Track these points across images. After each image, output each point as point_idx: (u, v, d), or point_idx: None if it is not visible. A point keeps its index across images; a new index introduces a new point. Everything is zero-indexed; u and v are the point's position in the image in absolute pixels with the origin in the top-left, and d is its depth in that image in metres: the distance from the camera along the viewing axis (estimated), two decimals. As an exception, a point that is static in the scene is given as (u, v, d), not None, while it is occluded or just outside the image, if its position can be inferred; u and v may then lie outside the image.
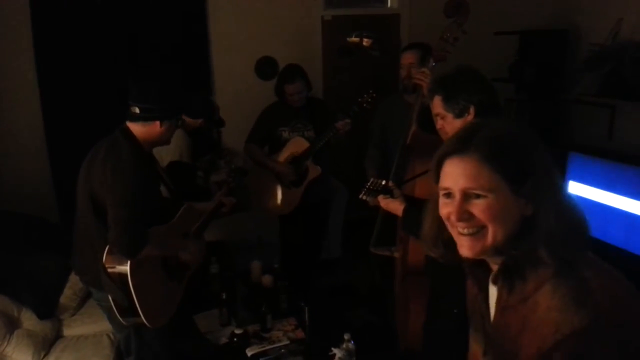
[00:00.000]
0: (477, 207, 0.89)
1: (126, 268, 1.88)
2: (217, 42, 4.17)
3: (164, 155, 2.74)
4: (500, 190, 0.87)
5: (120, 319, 1.98)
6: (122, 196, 1.87)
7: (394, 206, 2.00)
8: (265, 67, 4.24)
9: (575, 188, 2.89)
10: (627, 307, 0.82)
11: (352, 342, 2.18)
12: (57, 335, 2.70)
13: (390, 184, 2.08)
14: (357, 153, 3.70)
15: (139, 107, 1.98)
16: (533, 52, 3.53)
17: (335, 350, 2.14)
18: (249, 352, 2.37)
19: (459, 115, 1.73)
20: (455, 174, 0.91)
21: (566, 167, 2.94)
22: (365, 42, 4.75)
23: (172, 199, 2.28)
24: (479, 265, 0.98)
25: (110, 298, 1.96)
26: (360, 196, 2.14)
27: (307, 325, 2.58)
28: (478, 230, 0.89)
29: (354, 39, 4.73)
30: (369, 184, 2.11)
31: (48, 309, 2.70)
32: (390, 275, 2.65)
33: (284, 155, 3.16)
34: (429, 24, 2.22)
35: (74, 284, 2.80)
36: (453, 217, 0.91)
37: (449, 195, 0.93)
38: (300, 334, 2.55)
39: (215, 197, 2.50)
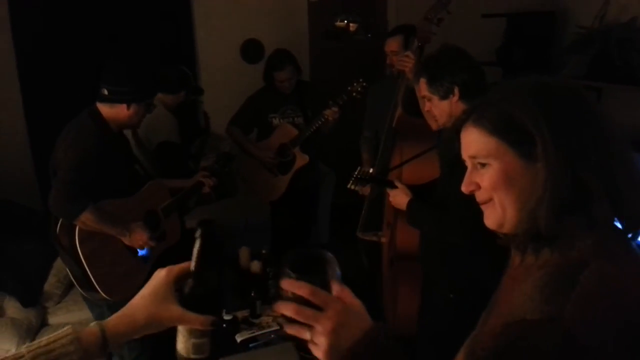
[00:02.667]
0: (482, 177, 0.85)
1: (75, 237, 1.91)
2: (201, 24, 4.09)
3: (152, 137, 2.69)
4: (504, 156, 0.82)
5: (82, 292, 2.01)
6: (70, 161, 1.90)
7: (399, 199, 1.94)
8: (251, 50, 4.18)
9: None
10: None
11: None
12: (42, 324, 2.67)
13: (372, 171, 2.05)
14: (345, 138, 3.68)
15: (107, 89, 1.99)
16: (520, 35, 3.51)
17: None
18: (239, 338, 2.35)
19: (444, 96, 1.71)
20: (463, 145, 0.89)
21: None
22: (352, 26, 4.71)
23: (145, 177, 2.26)
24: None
25: (68, 271, 2.00)
26: (349, 186, 2.12)
27: (296, 310, 2.57)
28: (488, 202, 0.86)
29: (341, 24, 4.68)
30: (356, 173, 2.09)
31: (32, 297, 2.66)
32: (378, 260, 2.65)
33: (271, 142, 3.12)
34: (417, 4, 2.18)
35: (58, 271, 2.76)
36: (464, 189, 0.89)
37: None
38: (289, 319, 2.55)
39: (196, 176, 2.46)
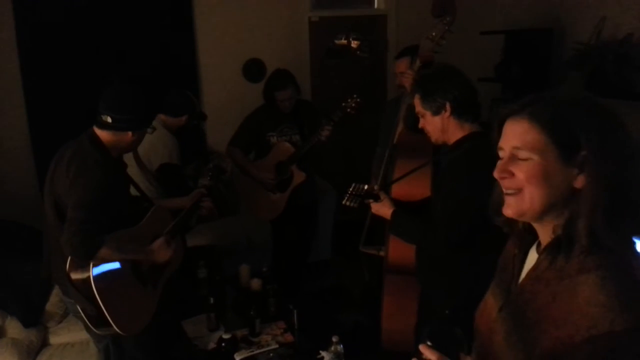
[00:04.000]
0: (519, 168, 0.91)
1: (88, 273, 1.83)
2: (203, 44, 4.15)
3: (153, 159, 2.72)
4: (547, 154, 0.88)
5: (94, 329, 1.94)
6: (81, 199, 1.83)
7: (383, 210, 1.99)
8: (252, 69, 4.23)
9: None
10: None
11: (341, 344, 2.16)
12: (43, 343, 2.68)
13: (376, 187, 2.08)
14: (345, 155, 3.71)
15: (111, 117, 1.95)
16: (518, 51, 3.55)
17: (323, 354, 2.13)
18: (238, 357, 2.35)
19: (436, 112, 1.75)
20: (507, 133, 0.94)
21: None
22: (354, 43, 4.76)
23: (143, 200, 2.26)
24: (528, 232, 1.00)
25: (79, 310, 1.92)
26: (344, 202, 2.13)
27: (296, 328, 2.56)
28: (517, 192, 0.91)
29: (342, 41, 4.73)
30: (351, 189, 2.11)
31: (33, 316, 2.67)
32: (379, 274, 2.65)
33: (269, 161, 3.14)
34: (416, 24, 2.23)
35: (59, 291, 2.76)
36: (496, 174, 0.94)
37: (501, 155, 0.96)
38: (289, 337, 2.53)
39: (193, 194, 2.45)
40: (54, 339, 2.72)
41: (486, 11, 4.17)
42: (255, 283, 2.86)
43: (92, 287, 1.82)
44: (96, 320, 1.89)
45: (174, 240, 2.25)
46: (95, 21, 3.78)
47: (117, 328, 1.88)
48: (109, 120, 1.95)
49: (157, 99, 2.39)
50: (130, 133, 1.99)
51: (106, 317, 1.85)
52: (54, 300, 2.76)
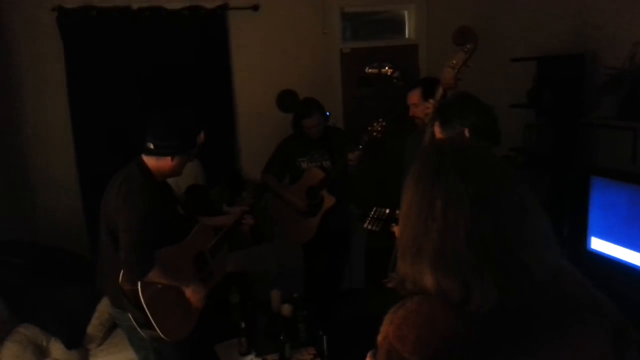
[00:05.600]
0: None
1: (137, 287, 2.02)
2: (239, 75, 4.33)
3: (180, 182, 2.83)
4: None
5: (141, 331, 2.12)
6: (131, 222, 2.01)
7: None
8: (286, 99, 4.36)
9: (598, 245, 2.82)
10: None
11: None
12: (84, 365, 2.78)
13: (398, 212, 2.10)
14: (378, 183, 3.74)
15: (153, 143, 2.13)
16: (550, 77, 3.52)
17: (351, 379, 2.14)
18: (267, 382, 2.39)
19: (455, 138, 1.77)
20: None
21: (589, 192, 2.89)
22: (388, 71, 4.84)
23: (188, 217, 2.39)
24: None
25: (130, 316, 2.10)
26: (365, 225, 2.17)
27: (325, 354, 2.58)
28: None
29: (373, 70, 4.83)
30: (372, 212, 2.15)
31: (76, 339, 2.79)
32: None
33: (300, 186, 3.22)
34: (447, 52, 2.27)
35: (100, 314, 2.89)
36: None
37: None
38: (318, 363, 2.56)
39: (234, 212, 2.60)
40: (94, 361, 2.82)
41: (517, 38, 4.18)
42: (286, 309, 2.91)
43: (140, 298, 2.03)
44: (143, 325, 2.09)
45: (215, 257, 2.40)
46: (136, 53, 4.00)
47: (162, 333, 2.07)
48: (152, 146, 2.13)
49: (195, 127, 2.52)
50: (169, 158, 2.14)
51: (152, 324, 2.05)
52: (95, 323, 2.88)
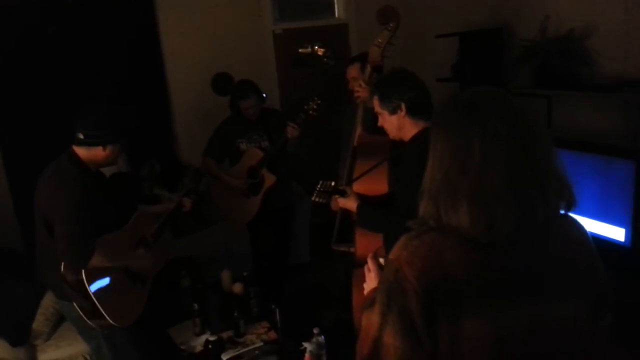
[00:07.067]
0: None
1: (82, 275, 2.03)
2: (171, 60, 4.26)
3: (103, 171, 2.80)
4: None
5: (90, 322, 2.12)
6: (66, 214, 2.01)
7: (349, 204, 2.15)
8: (221, 82, 4.35)
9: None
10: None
11: (322, 336, 2.29)
12: (32, 362, 2.72)
13: (341, 185, 2.22)
14: (317, 161, 3.85)
15: (82, 133, 2.11)
16: (472, 52, 3.75)
17: (305, 344, 2.25)
18: (224, 357, 2.45)
19: (392, 112, 1.92)
20: None
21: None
22: (319, 51, 4.92)
23: (128, 206, 2.40)
24: None
25: (75, 305, 2.10)
26: (313, 198, 2.27)
27: (279, 326, 2.68)
28: None
29: (307, 50, 4.89)
30: (318, 186, 2.26)
31: (21, 336, 2.72)
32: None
33: (241, 167, 3.27)
34: (376, 31, 2.39)
35: (45, 309, 2.83)
36: None
37: None
38: (273, 335, 2.64)
39: (175, 197, 2.64)
40: (42, 357, 2.76)
41: (440, 16, 4.39)
42: (237, 287, 2.97)
43: (85, 286, 2.03)
44: (91, 314, 2.09)
45: (157, 242, 2.42)
46: (63, 42, 3.85)
47: (110, 319, 2.08)
48: (82, 136, 2.12)
49: (126, 117, 2.50)
50: (101, 148, 2.14)
51: (100, 311, 2.05)
52: (40, 318, 2.81)
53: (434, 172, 1.01)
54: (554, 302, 0.98)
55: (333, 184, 2.25)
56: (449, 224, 0.97)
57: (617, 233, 2.46)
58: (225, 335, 2.62)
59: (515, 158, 0.95)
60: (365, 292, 1.24)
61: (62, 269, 2.05)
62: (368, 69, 2.37)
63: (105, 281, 2.12)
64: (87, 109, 2.18)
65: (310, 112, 3.11)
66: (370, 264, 1.26)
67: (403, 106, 1.89)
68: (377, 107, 1.96)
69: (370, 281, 1.24)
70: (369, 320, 1.02)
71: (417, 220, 1.03)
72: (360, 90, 2.38)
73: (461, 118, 0.99)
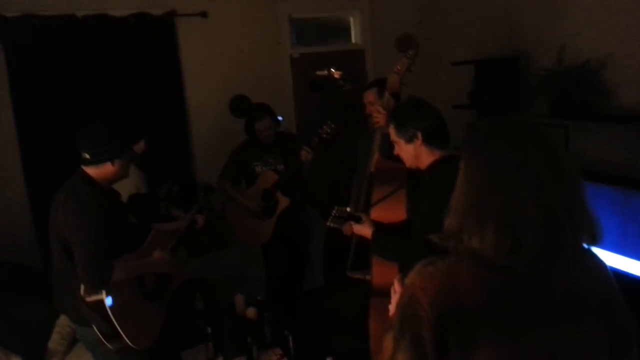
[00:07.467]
0: None
1: (101, 296, 2.03)
2: (190, 83, 4.33)
3: (122, 191, 2.83)
4: None
5: (108, 344, 2.11)
6: (84, 235, 2.01)
7: (364, 231, 2.15)
8: (238, 105, 4.40)
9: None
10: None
11: (335, 364, 2.28)
12: (46, 381, 2.73)
13: (357, 212, 2.23)
14: (331, 186, 3.87)
15: (87, 153, 2.12)
16: (488, 79, 3.76)
17: (318, 373, 2.24)
18: (237, 383, 2.46)
19: (409, 140, 1.93)
20: None
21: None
22: (336, 74, 4.97)
23: (142, 225, 2.42)
24: None
25: (94, 327, 2.09)
26: (327, 224, 2.28)
27: (292, 353, 2.67)
28: None
29: (323, 72, 4.95)
30: (334, 211, 2.27)
31: (36, 354, 2.74)
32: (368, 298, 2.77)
33: (255, 189, 3.31)
34: (392, 57, 2.42)
35: (61, 328, 2.85)
36: None
37: None
38: (285, 361, 2.64)
39: (187, 214, 2.66)
40: (56, 376, 2.78)
41: (456, 43, 4.43)
42: (251, 312, 2.97)
43: (105, 307, 2.02)
44: (110, 336, 2.09)
45: (176, 255, 2.44)
46: (86, 62, 3.92)
47: (129, 341, 2.07)
48: (87, 156, 2.12)
49: (127, 128, 2.52)
50: (109, 163, 2.14)
51: (119, 333, 2.05)
52: (56, 337, 2.83)
53: (464, 191, 1.02)
54: (571, 334, 0.96)
55: (348, 209, 2.26)
56: (469, 244, 0.97)
57: (637, 267, 2.43)
58: (237, 360, 2.62)
59: (548, 185, 0.95)
60: (390, 313, 1.25)
61: (82, 291, 2.05)
62: (386, 95, 2.39)
63: (123, 300, 2.12)
64: (87, 129, 2.19)
65: (324, 135, 3.15)
66: (396, 285, 1.27)
67: (419, 135, 1.91)
68: (394, 135, 1.98)
69: (395, 302, 1.24)
70: (386, 344, 1.03)
71: (438, 234, 1.04)
72: (379, 116, 2.40)
73: (499, 142, 1.00)
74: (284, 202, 3.28)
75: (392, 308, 1.25)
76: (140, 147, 2.96)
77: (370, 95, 2.96)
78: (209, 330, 2.72)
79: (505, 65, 3.71)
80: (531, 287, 0.96)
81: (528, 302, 0.96)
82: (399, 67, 2.36)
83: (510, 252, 0.93)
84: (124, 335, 2.06)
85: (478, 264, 0.96)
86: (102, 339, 2.09)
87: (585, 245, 1.03)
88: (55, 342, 2.82)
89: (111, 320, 2.04)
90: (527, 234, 0.93)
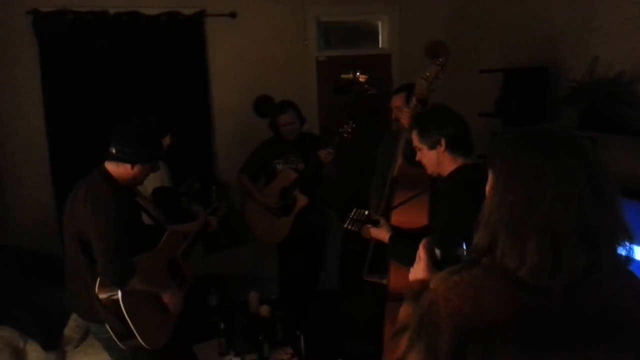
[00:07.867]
0: None
1: (117, 295, 2.01)
2: (216, 83, 4.38)
3: (147, 184, 2.87)
4: None
5: (120, 344, 2.09)
6: (105, 229, 1.99)
7: (382, 235, 2.13)
8: (262, 104, 4.43)
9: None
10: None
11: (346, 368, 2.26)
12: (61, 367, 2.78)
13: (376, 215, 2.21)
14: (351, 187, 3.85)
15: (115, 148, 2.12)
16: (516, 88, 3.71)
17: (329, 376, 2.22)
18: (247, 380, 2.45)
19: (432, 147, 1.91)
20: None
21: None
22: (361, 77, 4.97)
23: (155, 225, 2.43)
24: None
25: (107, 326, 2.07)
26: (345, 225, 2.27)
27: (303, 353, 2.66)
28: None
29: (348, 75, 4.95)
30: (352, 214, 2.25)
31: (53, 340, 2.79)
32: (383, 302, 2.74)
33: (274, 187, 3.31)
34: (418, 62, 2.40)
35: (77, 316, 2.89)
36: None
37: None
38: (296, 362, 2.63)
39: (200, 216, 2.65)
40: (71, 363, 2.83)
41: (485, 51, 4.38)
42: (264, 309, 2.97)
43: (120, 307, 2.01)
44: (123, 335, 2.07)
45: (186, 261, 2.43)
46: (113, 63, 4.00)
47: (143, 341, 2.06)
48: (114, 151, 2.12)
49: (160, 141, 2.53)
50: (129, 166, 2.13)
51: (133, 332, 2.03)
52: (72, 325, 2.87)
53: (494, 205, 0.96)
54: (598, 354, 0.93)
55: (367, 212, 2.24)
56: (502, 262, 0.92)
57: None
58: (249, 357, 2.61)
59: (588, 201, 0.89)
60: (411, 277, 1.22)
61: (97, 288, 2.03)
62: (413, 100, 2.38)
63: (138, 300, 2.10)
64: (126, 126, 2.20)
65: (345, 134, 3.13)
66: (421, 251, 1.22)
67: (443, 141, 1.89)
68: (417, 141, 1.96)
69: (418, 270, 1.21)
70: (401, 341, 1.01)
71: (471, 251, 1.00)
72: (404, 116, 2.38)
73: (533, 153, 0.94)
74: (302, 200, 3.27)
75: (412, 273, 1.21)
76: (166, 141, 2.99)
77: (397, 100, 2.94)
78: (222, 325, 2.73)
79: (534, 75, 3.65)
80: (562, 306, 0.92)
81: (556, 321, 0.91)
82: (427, 74, 2.35)
83: (551, 275, 0.89)
84: (137, 336, 2.04)
85: (506, 278, 0.92)
86: (115, 339, 2.08)
87: (622, 262, 0.98)
88: (71, 329, 2.87)
89: (126, 320, 2.02)
90: (569, 254, 0.88)
